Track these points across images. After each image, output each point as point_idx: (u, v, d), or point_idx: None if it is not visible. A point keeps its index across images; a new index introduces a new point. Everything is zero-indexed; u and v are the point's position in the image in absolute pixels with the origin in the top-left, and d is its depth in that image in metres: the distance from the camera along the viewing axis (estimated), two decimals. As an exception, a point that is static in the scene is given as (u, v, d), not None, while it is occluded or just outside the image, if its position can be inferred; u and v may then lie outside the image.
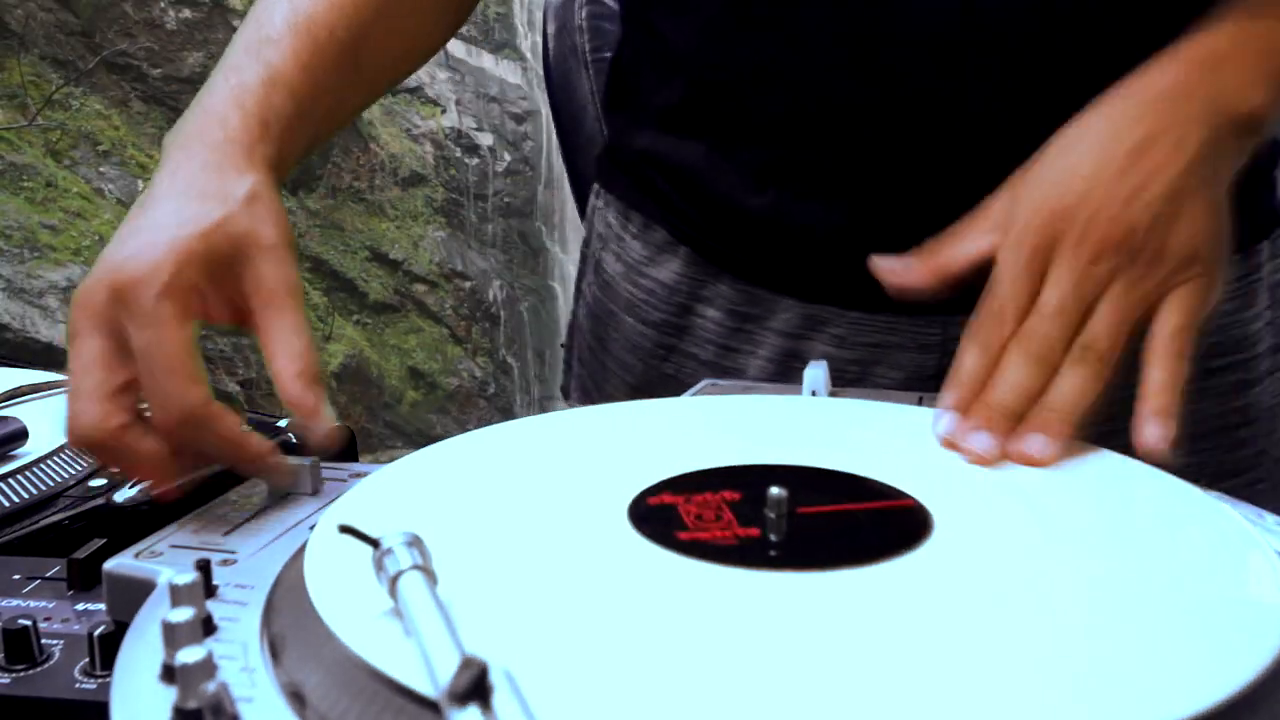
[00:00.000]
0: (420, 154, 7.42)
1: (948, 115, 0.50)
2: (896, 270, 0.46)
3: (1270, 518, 0.34)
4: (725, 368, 0.59)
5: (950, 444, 0.39)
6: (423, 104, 7.52)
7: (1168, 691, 0.23)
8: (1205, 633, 0.26)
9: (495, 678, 0.21)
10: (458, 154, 7.67)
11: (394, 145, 7.22)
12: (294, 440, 0.49)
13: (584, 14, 0.76)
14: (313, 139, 0.48)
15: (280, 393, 0.36)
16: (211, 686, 0.23)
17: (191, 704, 0.23)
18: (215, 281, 0.38)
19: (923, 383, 0.55)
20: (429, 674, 0.22)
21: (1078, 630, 0.26)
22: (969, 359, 0.41)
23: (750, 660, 0.24)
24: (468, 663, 0.22)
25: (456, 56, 7.79)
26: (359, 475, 0.37)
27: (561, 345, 0.71)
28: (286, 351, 0.37)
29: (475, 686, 0.21)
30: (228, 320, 0.39)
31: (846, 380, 0.55)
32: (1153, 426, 0.38)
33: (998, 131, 0.49)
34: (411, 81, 7.51)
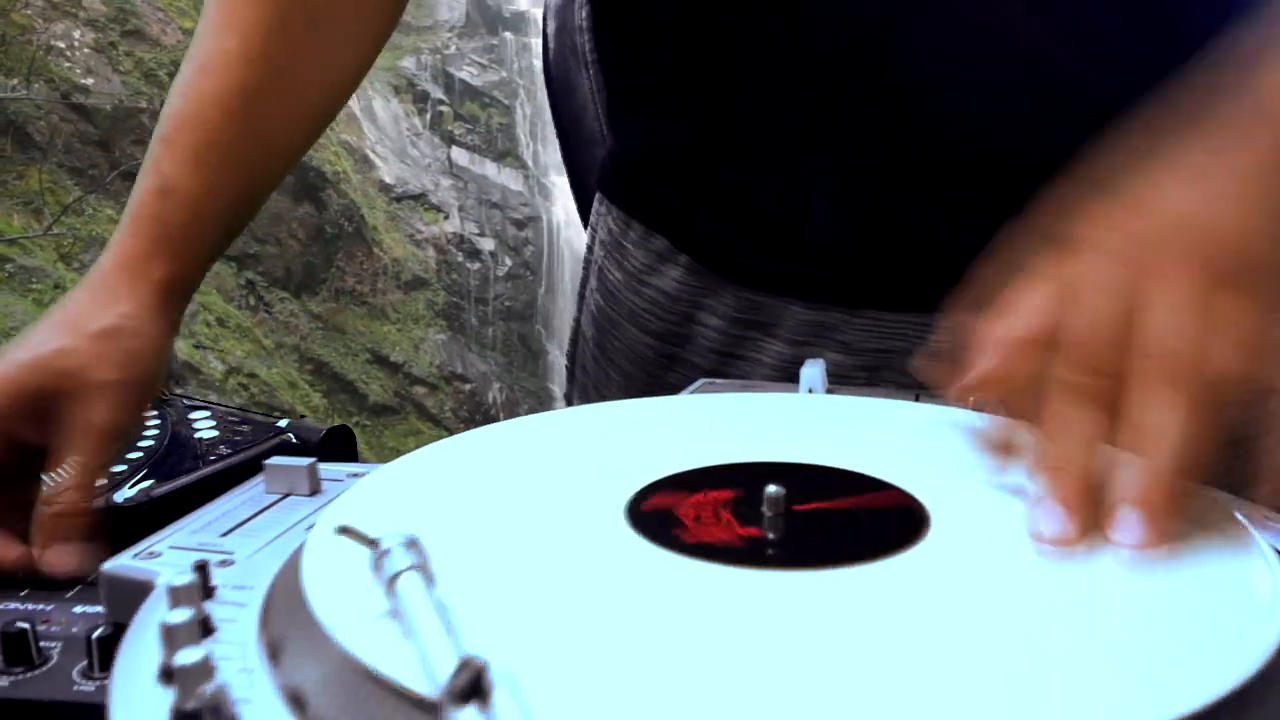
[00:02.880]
0: (423, 258, 7.56)
1: (938, 64, 0.47)
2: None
3: (1269, 515, 0.34)
4: (730, 378, 0.57)
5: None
6: (426, 210, 7.69)
7: (1163, 688, 0.23)
8: (1202, 630, 0.26)
9: (494, 677, 0.21)
10: (459, 258, 7.81)
11: (397, 250, 7.36)
12: (293, 440, 0.49)
13: (584, 14, 0.76)
14: (227, 231, 0.47)
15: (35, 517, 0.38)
16: (210, 688, 0.23)
17: (190, 705, 0.23)
18: (32, 410, 0.39)
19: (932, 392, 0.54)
20: (427, 674, 0.22)
21: (1075, 627, 0.26)
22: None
23: (748, 659, 0.24)
24: (466, 663, 0.22)
25: (460, 164, 8.02)
26: (356, 475, 0.37)
27: (566, 354, 0.70)
28: (59, 484, 0.38)
29: (474, 686, 0.21)
30: (41, 444, 0.40)
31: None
32: None
33: (998, 83, 0.47)
34: (415, 188, 7.71)
